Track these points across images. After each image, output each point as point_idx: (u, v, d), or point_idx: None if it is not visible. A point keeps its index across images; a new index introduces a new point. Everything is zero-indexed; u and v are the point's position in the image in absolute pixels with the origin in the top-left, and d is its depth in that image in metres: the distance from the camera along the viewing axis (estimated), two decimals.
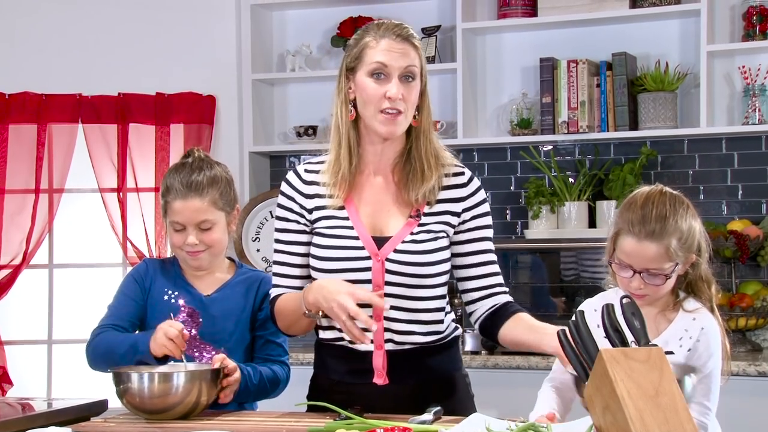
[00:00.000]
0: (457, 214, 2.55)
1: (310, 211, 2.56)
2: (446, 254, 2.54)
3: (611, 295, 2.54)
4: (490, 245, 2.60)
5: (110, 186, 4.68)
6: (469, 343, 4.22)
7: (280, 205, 2.61)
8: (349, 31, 4.70)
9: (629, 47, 4.42)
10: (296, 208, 2.57)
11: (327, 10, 4.85)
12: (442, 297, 2.57)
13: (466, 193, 2.57)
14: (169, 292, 2.79)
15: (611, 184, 4.36)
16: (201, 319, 2.76)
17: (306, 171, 2.61)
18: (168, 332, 2.59)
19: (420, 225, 2.51)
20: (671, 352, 2.40)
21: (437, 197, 2.54)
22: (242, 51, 4.81)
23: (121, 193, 4.67)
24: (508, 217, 4.65)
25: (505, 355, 4.11)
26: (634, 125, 4.36)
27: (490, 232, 2.61)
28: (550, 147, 4.56)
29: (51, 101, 4.68)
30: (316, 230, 2.55)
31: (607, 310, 2.17)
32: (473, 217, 2.57)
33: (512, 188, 4.64)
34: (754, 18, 4.23)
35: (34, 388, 4.70)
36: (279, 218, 2.60)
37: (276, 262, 2.60)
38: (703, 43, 4.23)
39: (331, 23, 4.83)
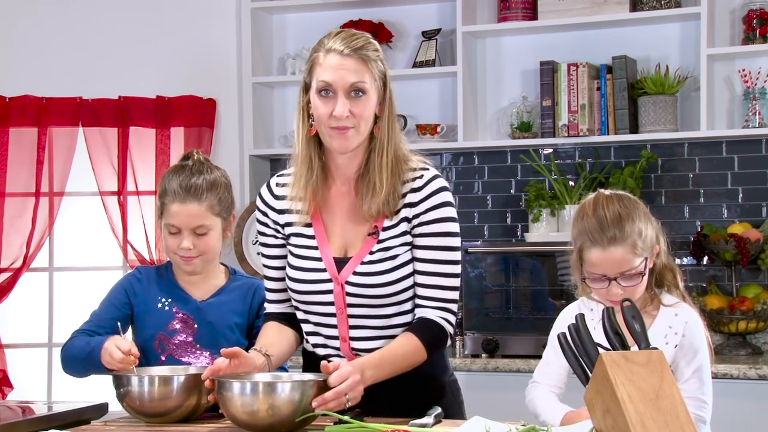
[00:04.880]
0: (409, 220, 2.49)
1: (283, 227, 2.58)
2: (408, 270, 2.49)
3: (587, 302, 2.55)
4: (437, 255, 2.48)
5: (111, 189, 4.68)
6: (469, 345, 4.23)
7: (257, 220, 2.64)
8: None
9: (629, 50, 4.42)
10: (271, 223, 2.60)
11: (327, 13, 4.85)
12: (413, 310, 2.53)
13: (419, 197, 2.48)
14: (163, 299, 2.79)
15: (612, 187, 4.36)
16: (196, 326, 2.77)
17: (277, 185, 2.60)
18: (113, 354, 2.56)
19: (379, 242, 2.48)
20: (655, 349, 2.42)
21: (398, 207, 2.48)
22: (242, 54, 4.81)
23: (121, 197, 4.67)
24: (509, 220, 4.65)
25: (505, 359, 4.11)
26: (634, 128, 4.36)
27: (441, 241, 2.48)
28: (551, 150, 4.57)
29: (51, 104, 4.68)
30: (288, 246, 2.57)
31: (608, 313, 2.17)
32: (421, 224, 2.48)
33: (512, 191, 4.64)
34: (754, 21, 4.24)
35: (35, 391, 4.70)
36: (259, 233, 2.64)
37: (264, 277, 2.65)
38: (703, 47, 4.23)
39: (331, 26, 4.77)
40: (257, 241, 4.79)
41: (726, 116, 4.37)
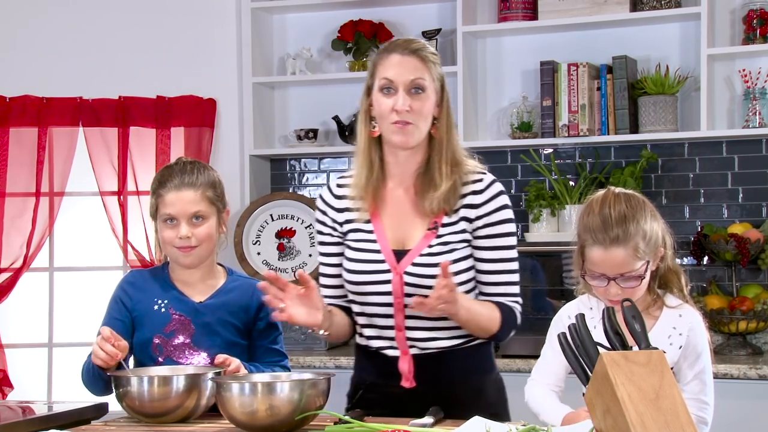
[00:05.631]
0: (471, 221, 2.62)
1: (341, 224, 2.70)
2: (466, 264, 2.62)
3: (586, 301, 2.55)
4: (502, 254, 2.63)
5: (111, 189, 4.68)
6: None
7: (317, 220, 2.77)
8: (349, 34, 4.70)
9: (630, 50, 4.42)
10: (329, 222, 2.72)
11: (327, 13, 4.85)
12: None
13: (481, 200, 2.62)
14: (159, 301, 2.79)
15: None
16: (193, 327, 2.77)
17: (338, 186, 2.74)
18: (98, 352, 2.59)
19: (438, 237, 2.60)
20: (663, 352, 2.42)
21: (457, 206, 2.61)
22: (243, 54, 4.81)
23: (121, 197, 4.67)
24: None
25: (505, 359, 4.10)
26: (634, 128, 4.36)
27: (505, 240, 2.64)
28: (551, 150, 4.56)
29: (52, 104, 4.68)
30: (346, 243, 2.68)
31: (608, 313, 2.17)
32: (485, 225, 2.62)
33: (513, 191, 4.63)
34: (754, 21, 4.24)
35: (35, 391, 4.70)
36: (318, 232, 2.77)
37: (320, 274, 2.77)
38: (704, 47, 4.23)
39: (331, 26, 4.83)
40: (258, 241, 4.81)
41: (726, 116, 4.37)
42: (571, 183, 4.49)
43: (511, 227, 2.65)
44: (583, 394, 2.16)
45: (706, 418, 2.45)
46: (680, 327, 2.46)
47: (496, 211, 2.62)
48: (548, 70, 4.44)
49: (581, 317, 2.17)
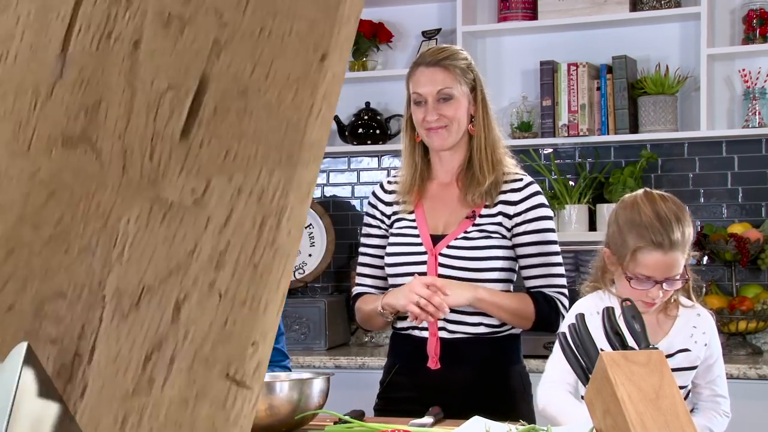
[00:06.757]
0: (510, 217, 2.77)
1: (389, 217, 2.90)
2: (499, 252, 2.75)
3: (604, 297, 2.53)
4: (542, 248, 2.77)
5: None
6: None
7: (366, 213, 2.97)
8: None
9: (629, 50, 4.42)
10: (378, 215, 2.92)
11: None
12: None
13: (518, 198, 2.78)
14: None
15: (611, 187, 4.37)
16: None
17: (388, 182, 2.96)
18: None
19: (474, 225, 2.77)
20: (687, 350, 2.42)
21: (496, 200, 2.77)
22: None
23: None
24: None
25: None
26: (634, 128, 4.36)
27: (543, 236, 2.77)
28: (551, 150, 4.56)
29: None
30: (391, 230, 2.88)
31: (607, 313, 2.16)
32: (524, 222, 2.77)
33: None
34: (754, 21, 4.24)
35: None
36: (365, 224, 2.97)
37: (360, 263, 2.95)
38: (704, 47, 4.23)
39: None
40: None
41: (726, 116, 4.37)
42: (571, 183, 4.49)
43: (550, 224, 2.80)
44: (582, 397, 2.16)
45: (728, 412, 2.51)
46: (702, 326, 2.47)
47: (533, 208, 2.77)
48: (548, 70, 4.44)
49: (581, 317, 2.17)
